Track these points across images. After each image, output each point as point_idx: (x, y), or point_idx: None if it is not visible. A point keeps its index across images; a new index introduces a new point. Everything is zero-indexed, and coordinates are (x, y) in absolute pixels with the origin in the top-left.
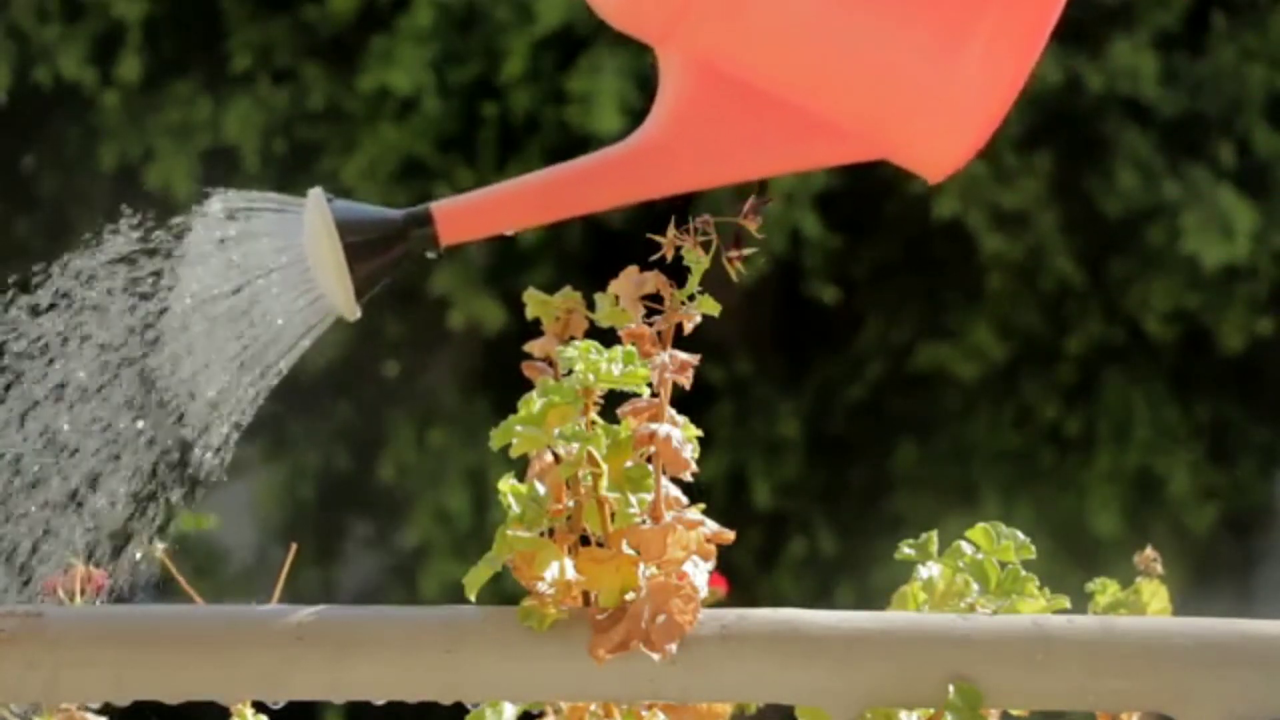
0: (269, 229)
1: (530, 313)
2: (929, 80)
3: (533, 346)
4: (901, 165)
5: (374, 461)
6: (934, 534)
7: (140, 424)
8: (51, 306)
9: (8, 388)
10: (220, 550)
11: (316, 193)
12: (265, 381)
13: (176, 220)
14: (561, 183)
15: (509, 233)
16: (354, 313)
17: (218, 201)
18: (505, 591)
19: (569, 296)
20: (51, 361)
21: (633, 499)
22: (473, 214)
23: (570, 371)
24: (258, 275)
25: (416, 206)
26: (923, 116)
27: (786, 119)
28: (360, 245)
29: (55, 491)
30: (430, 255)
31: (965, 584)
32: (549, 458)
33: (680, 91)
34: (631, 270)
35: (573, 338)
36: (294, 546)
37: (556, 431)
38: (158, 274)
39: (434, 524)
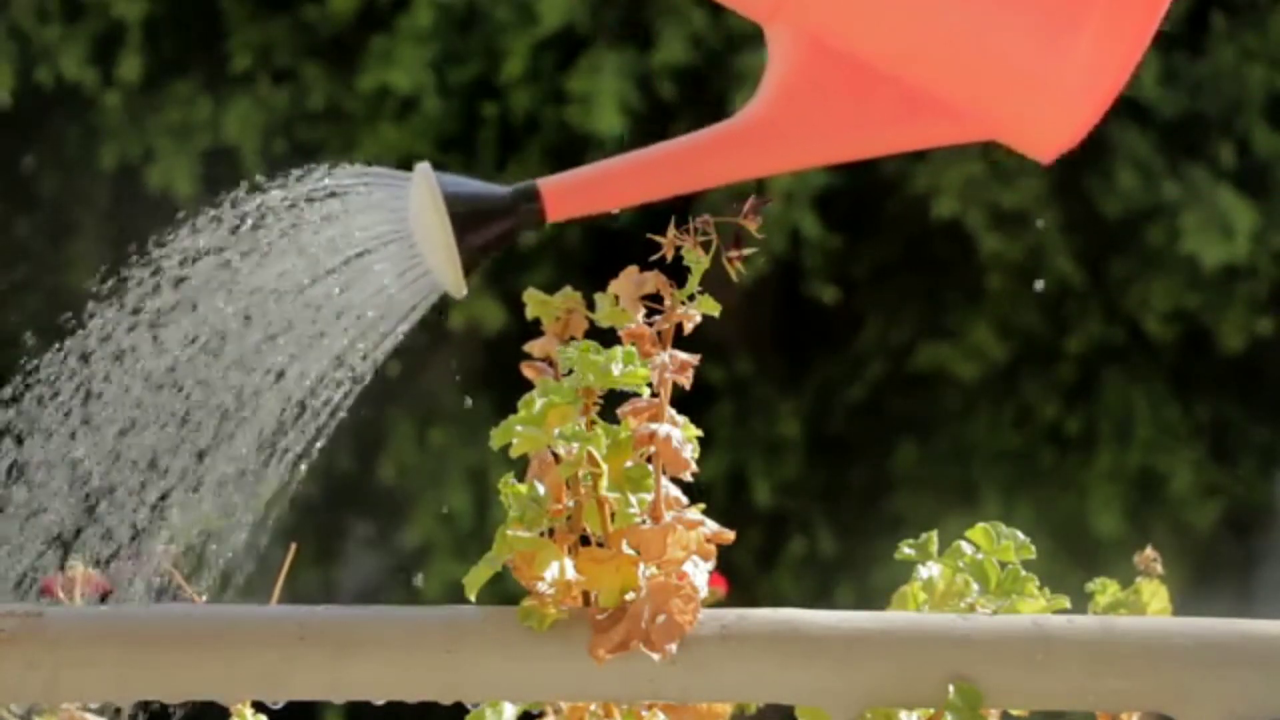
0: (375, 204)
1: (530, 313)
2: (1042, 60)
3: (533, 346)
4: (1009, 145)
5: (374, 461)
6: (934, 534)
7: (244, 402)
8: (155, 284)
9: (130, 359)
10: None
11: (425, 167)
12: (371, 360)
13: (282, 196)
14: (668, 159)
15: (613, 210)
16: (461, 289)
17: (324, 177)
18: (505, 591)
19: (569, 296)
20: (157, 339)
21: (633, 499)
22: (578, 190)
23: (570, 371)
24: (363, 251)
25: (523, 183)
26: (1034, 96)
27: (895, 97)
28: (468, 220)
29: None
30: (533, 230)
31: (965, 584)
32: (549, 457)
33: (788, 68)
34: (631, 270)
35: (573, 338)
36: (294, 546)
37: (556, 431)
38: (263, 251)
39: (435, 524)
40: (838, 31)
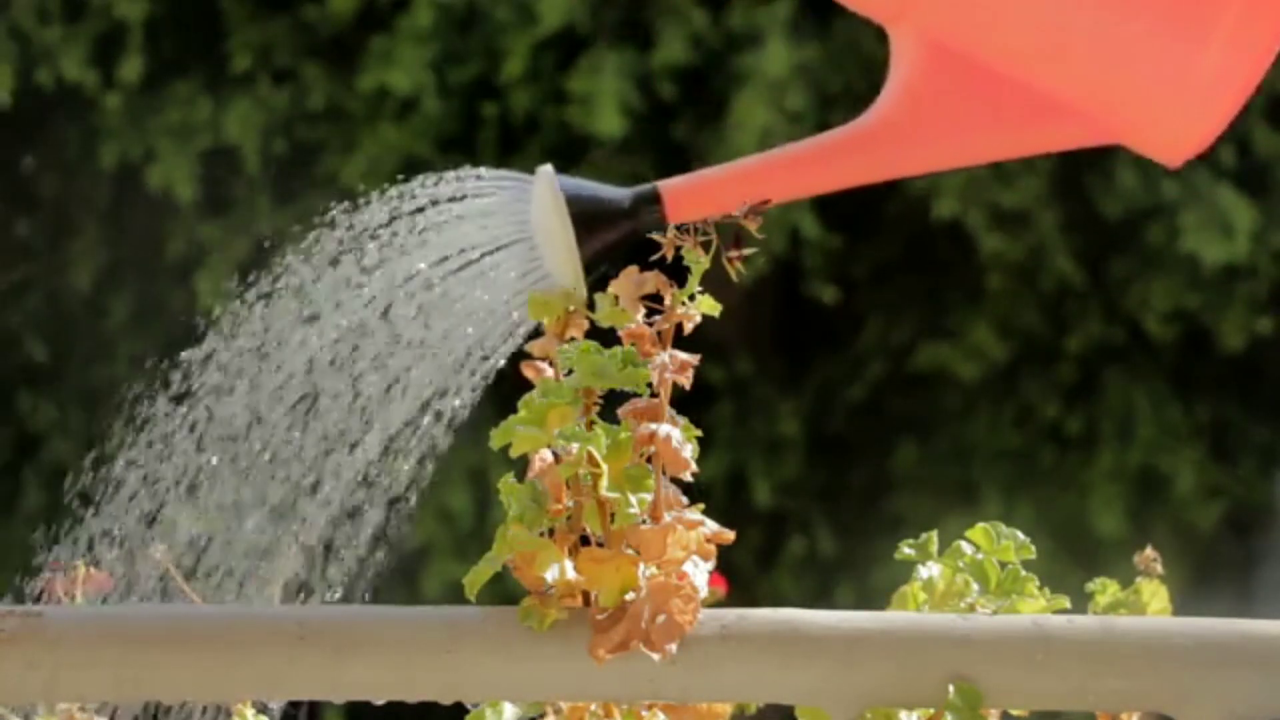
0: (495, 206)
1: (530, 313)
2: (1172, 64)
3: (533, 346)
4: (1136, 149)
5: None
6: (934, 534)
7: (367, 401)
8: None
9: (262, 356)
10: None
11: (547, 170)
12: (491, 360)
13: (404, 199)
14: (791, 162)
15: (734, 212)
16: (581, 291)
17: (447, 180)
18: (506, 592)
19: (568, 297)
20: (281, 344)
21: (633, 499)
22: (700, 193)
23: (570, 371)
24: (486, 253)
25: (644, 185)
26: (1163, 101)
27: (1020, 100)
28: (588, 223)
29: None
30: (655, 235)
31: (965, 584)
32: (548, 457)
33: (913, 71)
34: (631, 270)
35: (572, 338)
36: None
37: (556, 431)
38: (392, 252)
39: (436, 524)
40: (962, 35)
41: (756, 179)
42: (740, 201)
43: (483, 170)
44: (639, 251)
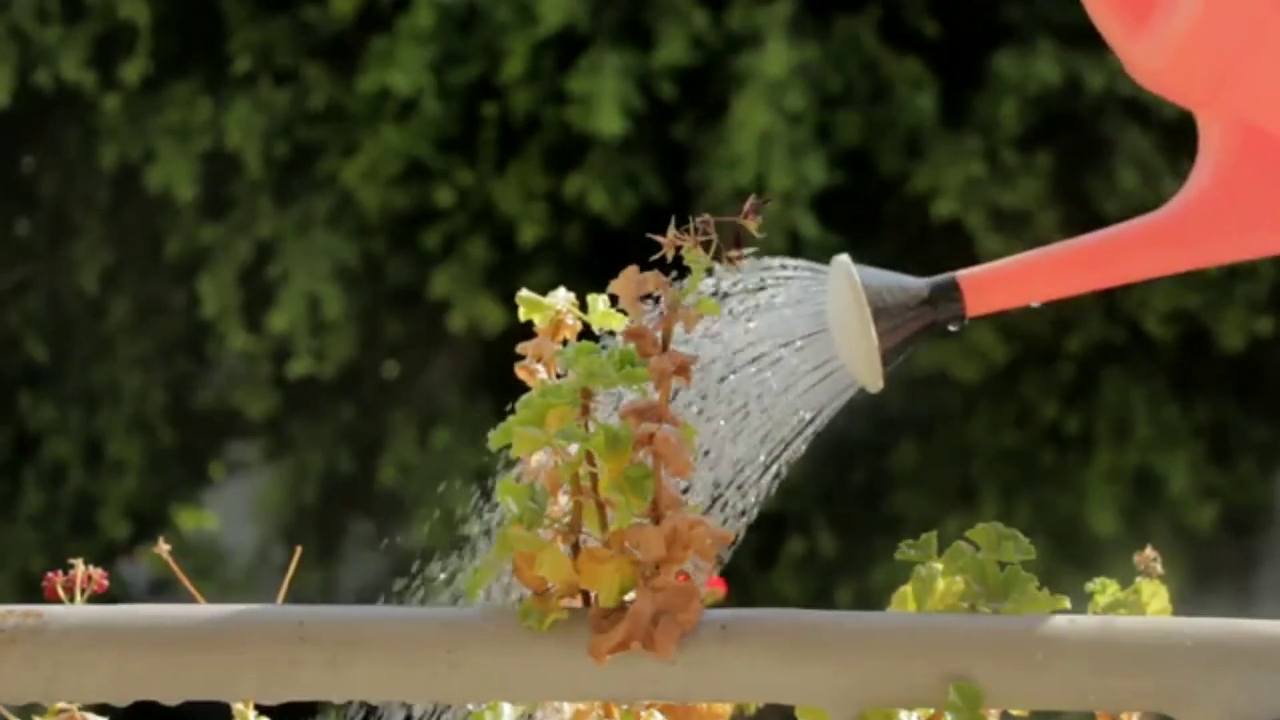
0: (790, 297)
1: (523, 314)
2: None
3: (525, 348)
4: None
5: (376, 463)
6: (934, 534)
7: None
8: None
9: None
10: (222, 550)
11: (844, 260)
12: (784, 453)
13: (711, 288)
14: (1097, 252)
15: (1034, 304)
16: (878, 383)
17: (745, 270)
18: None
19: (561, 298)
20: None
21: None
22: (1000, 284)
23: (568, 372)
24: (777, 343)
25: (942, 276)
26: None
27: None
28: (887, 314)
29: None
30: (954, 328)
31: (965, 584)
32: (545, 458)
33: (1224, 154)
34: (631, 270)
35: (565, 340)
36: (299, 549)
37: (556, 432)
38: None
39: (438, 525)
40: (1275, 118)
41: (1058, 271)
42: (1043, 291)
43: (785, 261)
44: (639, 252)
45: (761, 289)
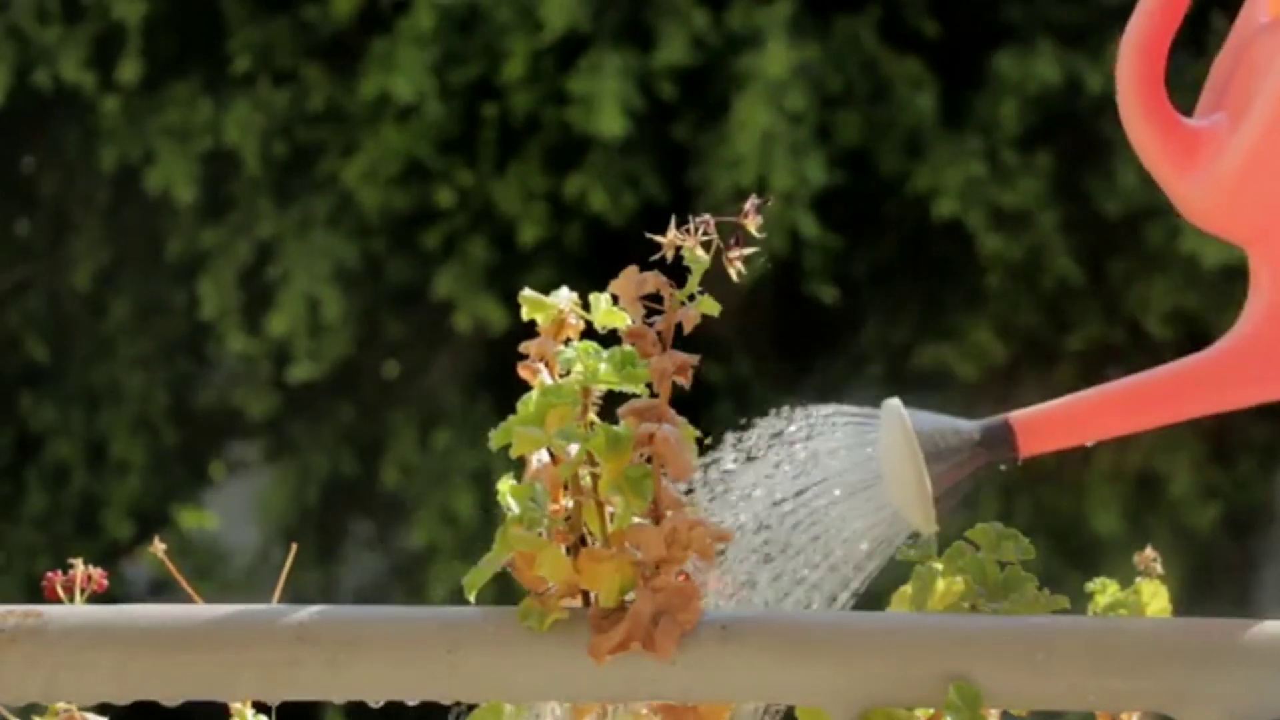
0: (841, 442)
1: (526, 314)
2: None
3: (528, 347)
4: None
5: (378, 463)
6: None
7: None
8: None
9: None
10: (223, 551)
11: (895, 405)
12: (842, 599)
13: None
14: (1152, 393)
15: (1088, 443)
16: (931, 527)
17: (797, 420)
18: (512, 592)
19: (564, 297)
20: None
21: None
22: (1054, 426)
23: (569, 372)
24: (830, 488)
25: (994, 419)
26: None
27: None
28: (939, 459)
29: None
30: (1003, 466)
31: (965, 584)
32: (545, 458)
33: (1277, 294)
34: (631, 270)
35: (569, 339)
36: (294, 547)
37: (556, 432)
38: (743, 491)
39: (439, 526)
40: None
41: (1111, 411)
42: (1095, 433)
43: (834, 406)
44: (639, 252)
45: (810, 437)
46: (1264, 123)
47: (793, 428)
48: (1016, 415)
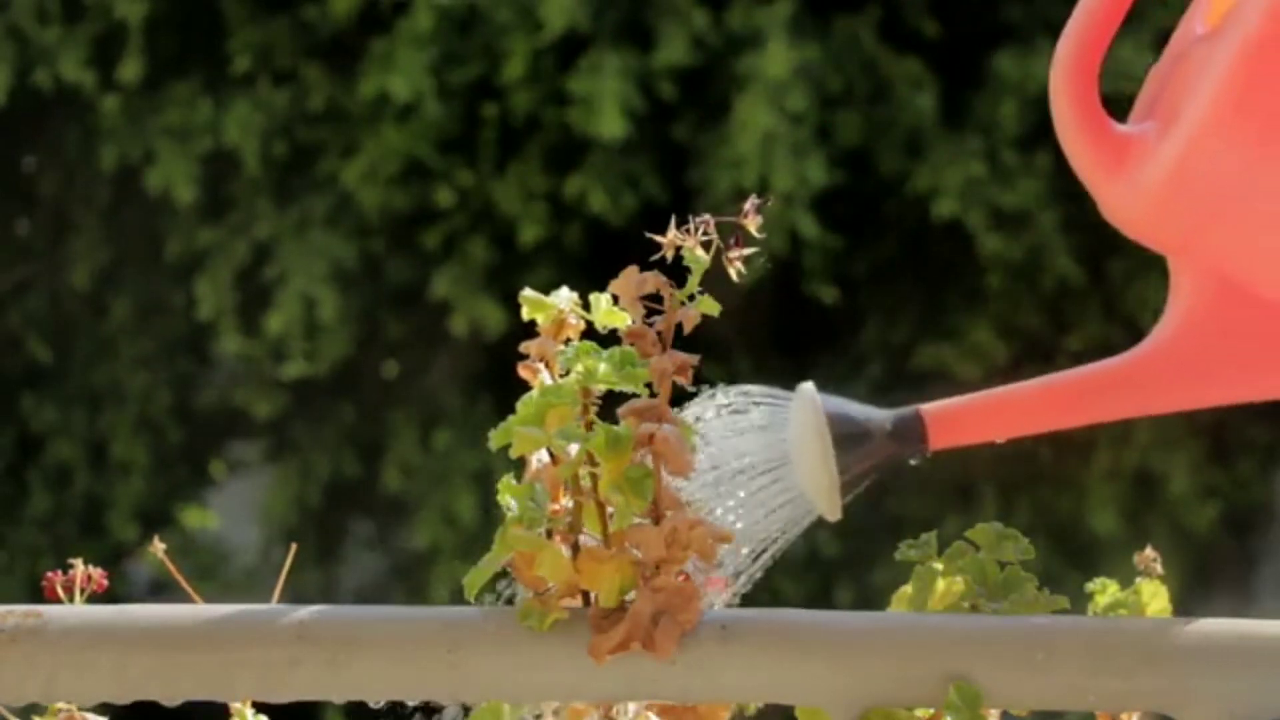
0: (755, 423)
1: (526, 313)
2: None
3: (528, 347)
4: None
5: (378, 464)
6: (934, 534)
7: None
8: None
9: None
10: (224, 551)
11: (809, 389)
12: (745, 578)
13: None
14: (1065, 394)
15: (998, 440)
16: (836, 514)
17: (707, 399)
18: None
19: (564, 297)
20: None
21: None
22: (965, 420)
23: (569, 372)
24: (738, 471)
25: (906, 410)
26: None
27: None
28: (848, 445)
29: None
30: (914, 460)
31: (965, 584)
32: (545, 458)
33: (1194, 303)
34: (631, 270)
35: (569, 339)
36: (294, 547)
37: (556, 432)
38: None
39: (440, 526)
40: (1248, 272)
41: (1023, 409)
42: (1006, 428)
43: (743, 386)
44: (639, 252)
45: (722, 415)
46: (1190, 134)
47: (710, 411)
48: (928, 407)
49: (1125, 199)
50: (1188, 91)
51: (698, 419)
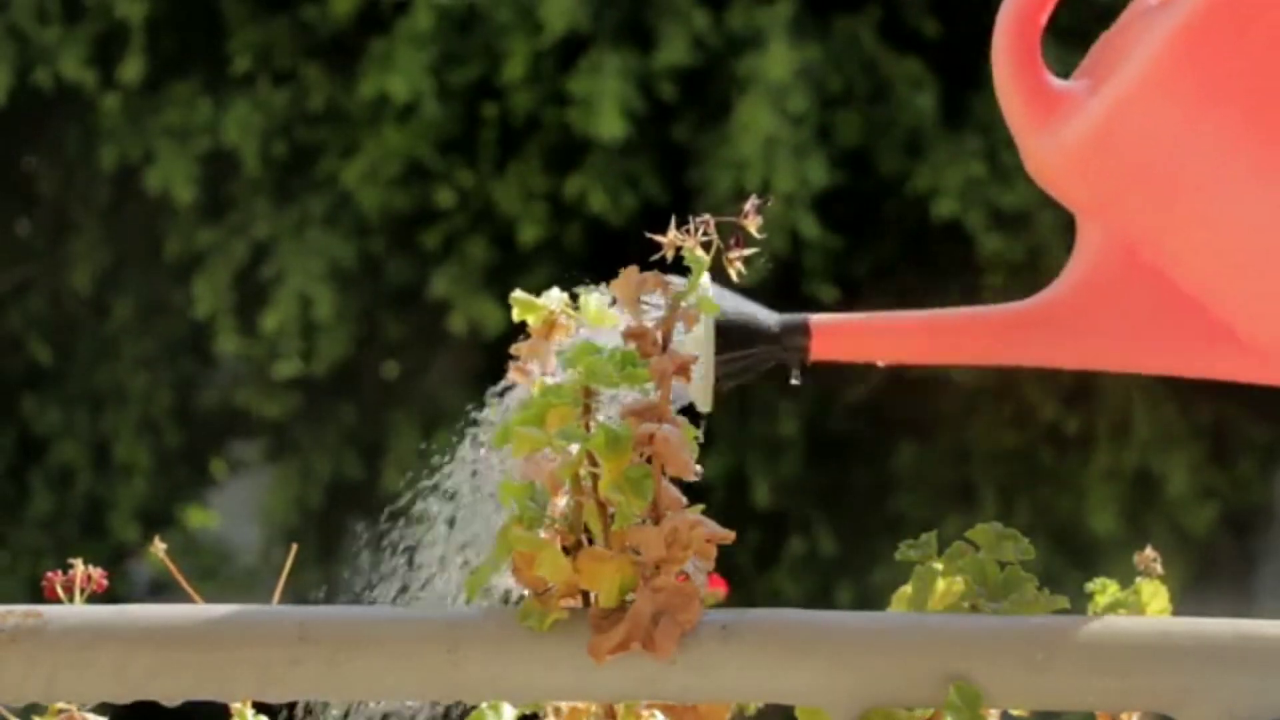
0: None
1: (517, 315)
2: None
3: (519, 348)
4: None
5: (378, 463)
6: (934, 534)
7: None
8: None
9: None
10: (225, 551)
11: (706, 281)
12: None
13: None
14: (948, 327)
15: (880, 363)
16: (707, 404)
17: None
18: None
19: (554, 298)
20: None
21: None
22: (849, 335)
23: (565, 371)
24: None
25: (795, 315)
26: None
27: (1196, 322)
28: (733, 338)
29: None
30: (794, 379)
31: (965, 584)
32: (546, 457)
33: (1095, 266)
34: (631, 270)
35: (560, 340)
36: (294, 548)
37: (556, 432)
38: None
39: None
40: (1153, 246)
41: (908, 335)
42: (888, 352)
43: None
44: (639, 252)
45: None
46: (1120, 93)
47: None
48: (817, 317)
49: (1048, 151)
50: (1127, 54)
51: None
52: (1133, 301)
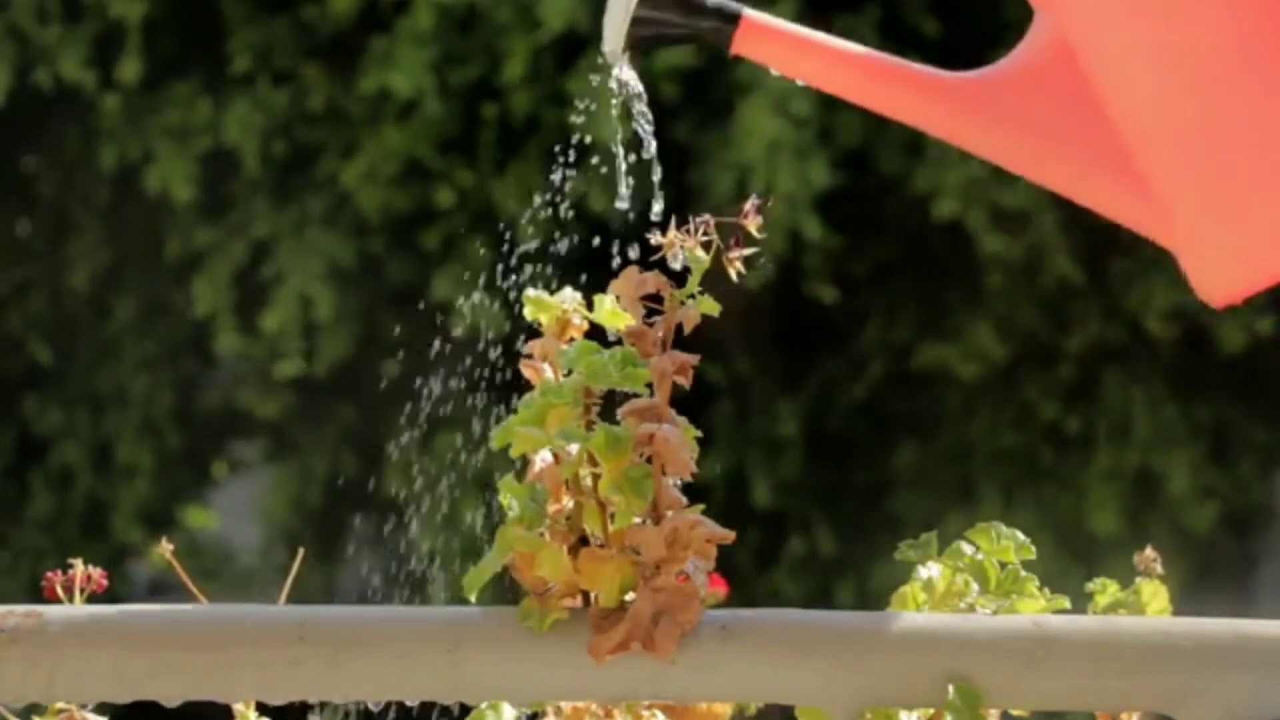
0: None
1: (529, 314)
2: (1256, 210)
3: (531, 347)
4: (1181, 266)
5: (379, 464)
6: (934, 534)
7: None
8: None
9: None
10: (226, 551)
11: None
12: None
13: None
14: (880, 72)
15: (798, 81)
16: (615, 56)
17: None
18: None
19: (568, 298)
20: None
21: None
22: (776, 38)
23: (570, 372)
24: None
25: (735, 3)
26: (1224, 229)
27: (1105, 143)
28: (659, 2)
29: None
30: (717, 46)
31: (965, 584)
32: (548, 457)
33: (1034, 53)
34: (631, 270)
35: (572, 338)
36: (300, 551)
37: (556, 432)
38: None
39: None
40: (1089, 52)
41: (837, 63)
42: (809, 70)
43: None
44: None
45: None
46: None
47: None
48: (754, 13)
49: None
50: None
51: None
52: (1055, 102)
